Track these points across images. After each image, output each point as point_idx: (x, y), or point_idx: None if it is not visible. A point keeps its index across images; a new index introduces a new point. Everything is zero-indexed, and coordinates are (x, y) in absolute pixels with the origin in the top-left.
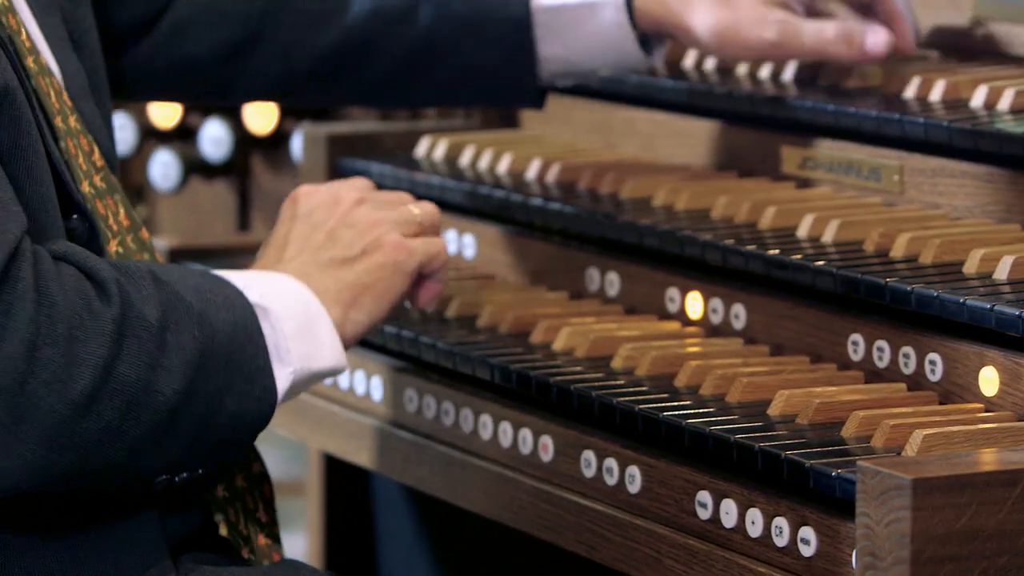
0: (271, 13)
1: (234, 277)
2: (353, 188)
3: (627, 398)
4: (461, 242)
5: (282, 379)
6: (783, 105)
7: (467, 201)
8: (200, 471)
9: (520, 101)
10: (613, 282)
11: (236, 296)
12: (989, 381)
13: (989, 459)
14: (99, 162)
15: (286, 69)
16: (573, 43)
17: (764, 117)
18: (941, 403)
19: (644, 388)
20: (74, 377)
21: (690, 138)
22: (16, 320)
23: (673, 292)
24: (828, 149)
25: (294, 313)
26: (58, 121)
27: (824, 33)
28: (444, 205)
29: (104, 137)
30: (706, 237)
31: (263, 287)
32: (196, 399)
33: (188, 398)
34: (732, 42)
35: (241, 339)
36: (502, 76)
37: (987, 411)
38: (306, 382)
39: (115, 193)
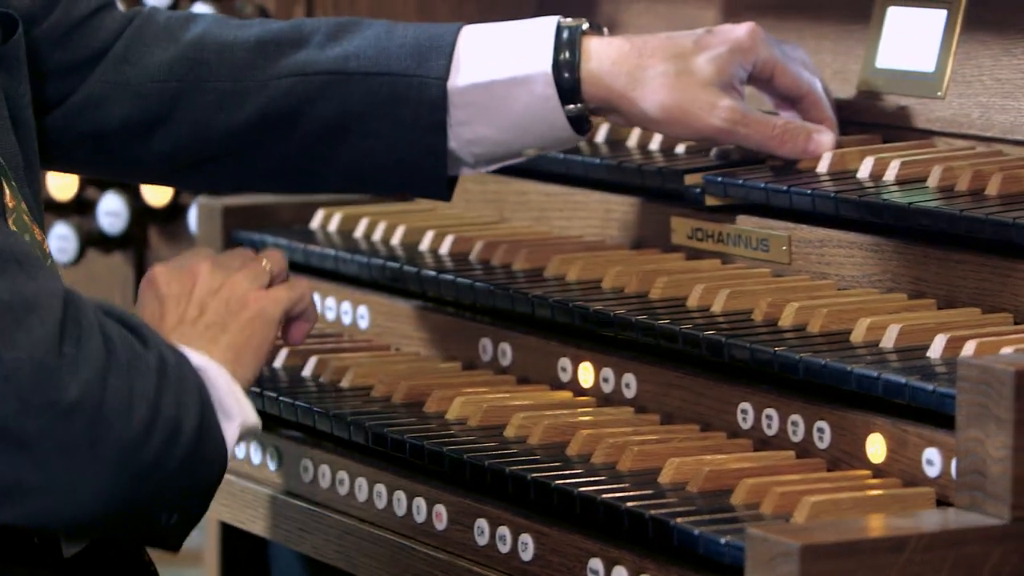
0: (185, 93)
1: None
2: (201, 257)
3: (520, 466)
4: (356, 313)
5: (230, 431)
6: (672, 177)
7: (361, 272)
8: (189, 512)
9: (427, 188)
10: (506, 352)
11: (185, 359)
12: (876, 448)
13: (876, 525)
14: (46, 247)
15: (197, 147)
16: (502, 120)
17: (654, 189)
18: (829, 470)
19: (536, 457)
20: (135, 407)
21: (582, 210)
22: (88, 351)
23: (565, 362)
24: (717, 220)
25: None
26: (8, 200)
27: (768, 129)
28: (339, 277)
29: (41, 219)
30: (597, 307)
31: (189, 354)
32: (206, 434)
33: (200, 437)
34: (679, 122)
35: (205, 390)
36: (412, 160)
37: (875, 477)
38: (243, 437)
39: None
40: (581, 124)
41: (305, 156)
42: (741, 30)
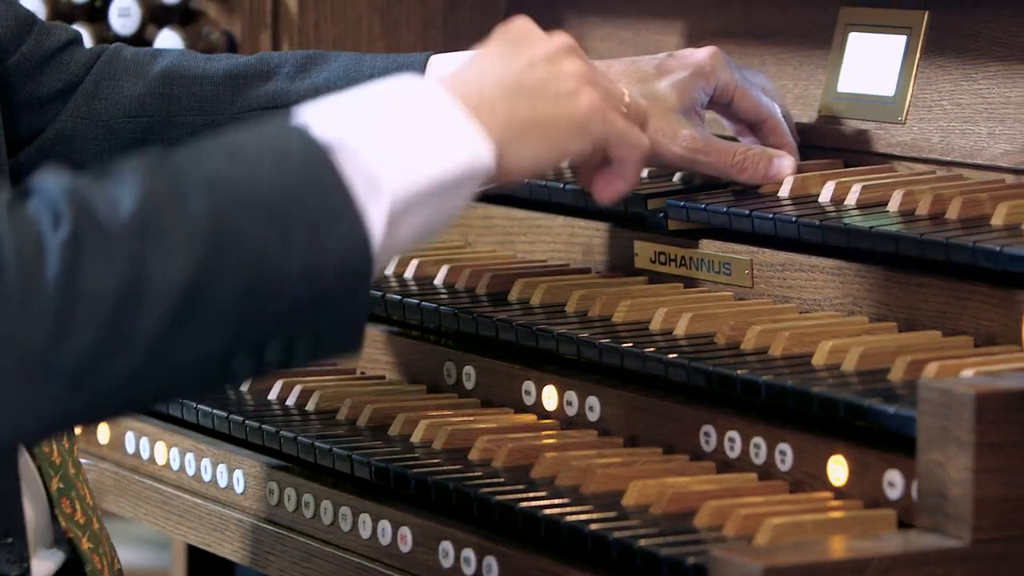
0: (156, 128)
1: (315, 106)
2: (570, 40)
3: (484, 489)
4: None
5: (376, 211)
6: (635, 201)
7: None
8: (303, 337)
9: None
10: (470, 375)
11: (291, 139)
12: (838, 470)
13: (838, 547)
14: None
15: None
16: None
17: (617, 213)
18: (791, 492)
19: (501, 479)
20: (31, 302)
21: (546, 234)
22: None
23: (529, 385)
24: (680, 244)
25: (387, 125)
26: None
27: (729, 157)
28: None
29: None
30: (561, 331)
31: (340, 112)
32: (225, 269)
33: (209, 273)
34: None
35: (297, 185)
36: None
37: (836, 499)
38: (427, 195)
39: None
40: None
41: None
42: (702, 54)
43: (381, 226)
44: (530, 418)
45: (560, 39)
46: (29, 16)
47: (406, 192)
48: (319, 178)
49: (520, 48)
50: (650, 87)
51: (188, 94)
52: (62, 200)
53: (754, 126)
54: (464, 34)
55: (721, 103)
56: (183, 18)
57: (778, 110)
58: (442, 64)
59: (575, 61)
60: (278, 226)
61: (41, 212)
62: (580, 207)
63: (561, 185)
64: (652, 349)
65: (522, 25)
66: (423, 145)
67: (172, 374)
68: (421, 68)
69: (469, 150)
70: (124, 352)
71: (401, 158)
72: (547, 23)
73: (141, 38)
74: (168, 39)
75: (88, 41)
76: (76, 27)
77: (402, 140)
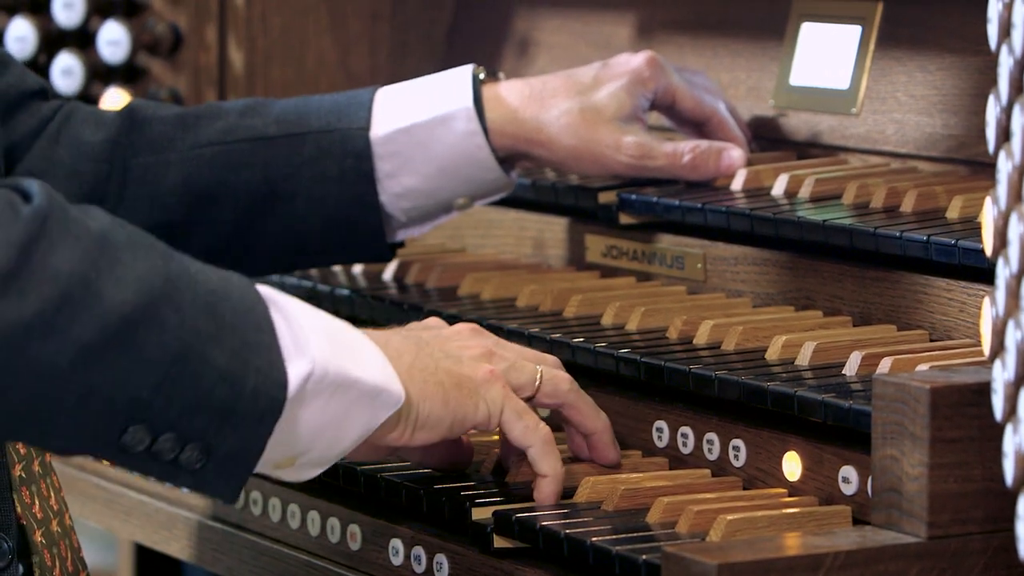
0: (114, 176)
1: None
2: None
3: (436, 485)
4: None
5: (297, 365)
6: (586, 195)
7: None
8: (196, 442)
9: (366, 247)
10: None
11: (233, 276)
12: (792, 466)
13: (792, 543)
14: None
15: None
16: (427, 165)
17: (568, 207)
18: (745, 488)
19: (452, 477)
20: None
21: (496, 228)
22: None
23: None
24: (632, 238)
25: (328, 328)
26: None
27: (677, 158)
28: None
29: None
30: (511, 326)
31: (290, 302)
32: (160, 325)
33: (147, 318)
34: (588, 162)
35: (236, 304)
36: (344, 217)
37: (790, 496)
38: (340, 386)
39: None
40: (507, 164)
41: (236, 230)
42: (639, 60)
43: (297, 382)
44: None
45: (464, 324)
46: (6, 55)
47: (325, 369)
48: (254, 310)
49: (424, 329)
50: (589, 99)
51: (140, 136)
52: (36, 188)
53: (699, 125)
54: (412, 26)
55: (663, 106)
56: (128, 9)
57: (723, 106)
58: (391, 90)
59: (479, 338)
60: (216, 320)
61: (14, 190)
62: (531, 201)
63: None
64: (604, 344)
65: (429, 319)
66: (351, 350)
67: (78, 392)
68: (370, 95)
69: (387, 376)
70: (49, 340)
71: (329, 342)
72: (498, 15)
73: (85, 30)
74: (112, 30)
75: (30, 32)
76: (19, 18)
77: (334, 335)
